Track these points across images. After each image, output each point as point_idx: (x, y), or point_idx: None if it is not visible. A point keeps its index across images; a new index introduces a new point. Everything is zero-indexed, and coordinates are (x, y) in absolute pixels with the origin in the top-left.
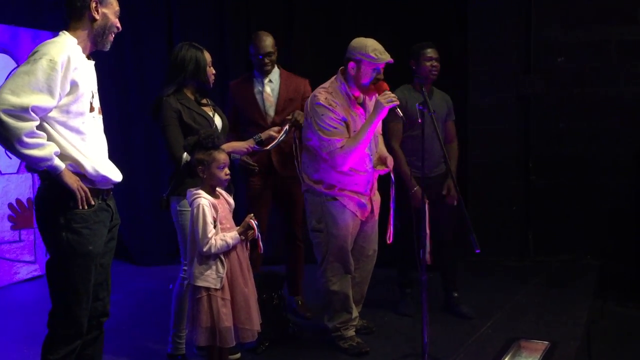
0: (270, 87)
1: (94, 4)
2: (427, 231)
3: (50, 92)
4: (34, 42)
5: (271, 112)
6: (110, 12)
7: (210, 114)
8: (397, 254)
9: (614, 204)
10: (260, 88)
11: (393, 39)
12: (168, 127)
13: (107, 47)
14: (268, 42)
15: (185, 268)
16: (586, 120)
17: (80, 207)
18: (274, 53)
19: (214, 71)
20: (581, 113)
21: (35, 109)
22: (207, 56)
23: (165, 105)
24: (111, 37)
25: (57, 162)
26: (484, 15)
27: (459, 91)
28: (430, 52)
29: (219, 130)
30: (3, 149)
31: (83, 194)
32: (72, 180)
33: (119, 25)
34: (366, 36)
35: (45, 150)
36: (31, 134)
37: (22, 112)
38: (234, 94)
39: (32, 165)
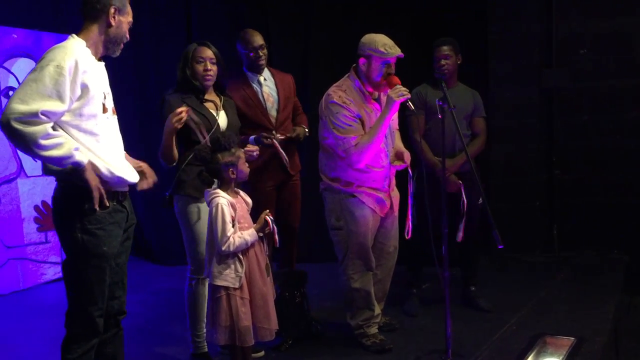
0: (267, 86)
1: (112, 10)
2: (464, 211)
3: (60, 97)
4: None
5: (273, 112)
6: (125, 22)
7: (214, 112)
8: (409, 252)
9: None
10: (258, 88)
11: (412, 35)
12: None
13: (117, 54)
14: (259, 36)
15: (192, 268)
16: (610, 113)
17: (96, 207)
18: (266, 47)
19: (209, 67)
20: (605, 105)
21: (46, 113)
22: (204, 52)
23: (165, 105)
24: (122, 46)
25: (79, 157)
26: (504, 9)
27: (480, 86)
28: (442, 49)
29: (223, 130)
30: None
31: (98, 194)
32: (92, 178)
33: (128, 36)
34: (385, 32)
35: (63, 148)
36: (46, 136)
37: (32, 117)
38: (234, 96)
39: (56, 165)
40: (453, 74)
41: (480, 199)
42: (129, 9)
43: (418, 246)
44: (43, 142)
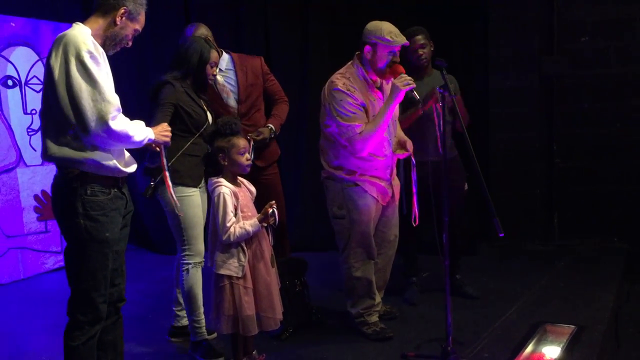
0: (223, 76)
1: (122, 10)
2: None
3: (111, 82)
4: (54, 34)
5: (232, 102)
6: (130, 28)
7: (205, 108)
8: (400, 239)
9: None
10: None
11: (414, 23)
12: (162, 107)
13: (110, 54)
14: (198, 33)
15: (188, 254)
16: (611, 101)
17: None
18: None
19: (215, 72)
20: (606, 93)
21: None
22: (213, 56)
23: (168, 87)
24: (119, 48)
25: (150, 132)
26: None
27: (480, 73)
28: (417, 38)
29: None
30: (21, 141)
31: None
32: (163, 138)
33: (130, 42)
34: (385, 20)
35: (142, 129)
36: (130, 125)
37: (119, 112)
38: None
39: (139, 146)
40: (430, 62)
41: (466, 186)
42: (141, 18)
43: (407, 232)
44: (132, 131)
